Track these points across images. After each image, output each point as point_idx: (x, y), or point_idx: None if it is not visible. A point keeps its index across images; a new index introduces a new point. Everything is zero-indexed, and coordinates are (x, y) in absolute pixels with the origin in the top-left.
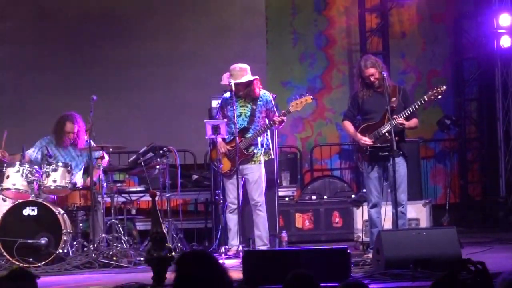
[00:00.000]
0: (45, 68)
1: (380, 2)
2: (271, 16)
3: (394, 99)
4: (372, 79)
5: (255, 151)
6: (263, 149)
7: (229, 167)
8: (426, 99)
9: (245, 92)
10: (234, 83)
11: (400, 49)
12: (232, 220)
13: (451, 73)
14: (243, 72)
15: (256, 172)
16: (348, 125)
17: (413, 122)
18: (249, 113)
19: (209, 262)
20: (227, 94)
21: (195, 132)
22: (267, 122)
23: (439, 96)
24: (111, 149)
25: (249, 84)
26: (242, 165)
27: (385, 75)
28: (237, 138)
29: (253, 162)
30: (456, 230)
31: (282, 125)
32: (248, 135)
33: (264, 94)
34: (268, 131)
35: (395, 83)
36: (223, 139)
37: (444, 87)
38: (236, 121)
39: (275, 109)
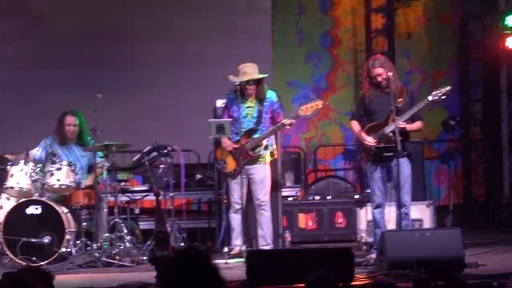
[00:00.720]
0: (50, 67)
1: (386, 2)
2: (277, 15)
3: (400, 99)
4: (379, 79)
5: (261, 152)
6: (269, 150)
7: (234, 166)
8: (431, 99)
9: (256, 90)
10: (245, 81)
11: (406, 49)
12: (235, 219)
13: (457, 73)
14: (255, 70)
15: (261, 172)
16: (355, 125)
17: (416, 125)
18: (256, 113)
19: (203, 260)
20: (232, 94)
21: (199, 132)
22: (277, 124)
23: (444, 97)
24: (114, 148)
25: (261, 82)
26: (248, 165)
27: (390, 75)
28: (243, 138)
29: (259, 162)
30: (460, 231)
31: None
32: (255, 136)
33: (270, 95)
34: None
35: (403, 85)
36: (229, 138)
37: (449, 87)
38: (242, 122)
39: (279, 109)
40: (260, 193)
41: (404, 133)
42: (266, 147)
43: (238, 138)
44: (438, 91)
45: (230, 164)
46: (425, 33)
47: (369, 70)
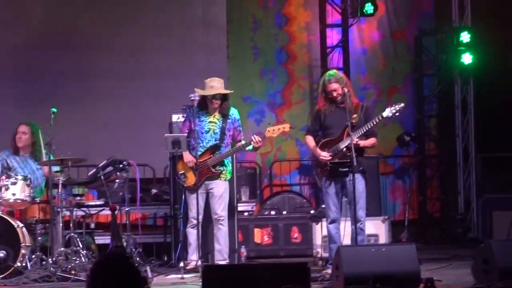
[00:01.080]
0: (4, 79)
1: (341, 18)
2: (232, 30)
3: (355, 115)
4: (334, 94)
5: (221, 168)
6: (229, 167)
7: (194, 181)
8: (385, 115)
9: (221, 106)
10: (212, 95)
11: (361, 65)
12: (192, 234)
13: (411, 89)
14: (222, 85)
15: (221, 187)
16: (309, 140)
17: (370, 141)
18: (218, 130)
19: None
20: (195, 108)
21: (155, 146)
22: (245, 143)
23: (397, 114)
24: (70, 163)
25: (226, 98)
26: (208, 181)
27: (345, 90)
28: (205, 154)
29: (219, 178)
30: (415, 246)
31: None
32: (218, 153)
33: (233, 112)
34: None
35: (358, 100)
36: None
37: (403, 104)
38: (203, 137)
39: (240, 128)
40: (218, 207)
41: (358, 149)
42: (225, 165)
43: (199, 153)
44: (392, 108)
45: (190, 179)
46: (380, 49)
47: (324, 85)
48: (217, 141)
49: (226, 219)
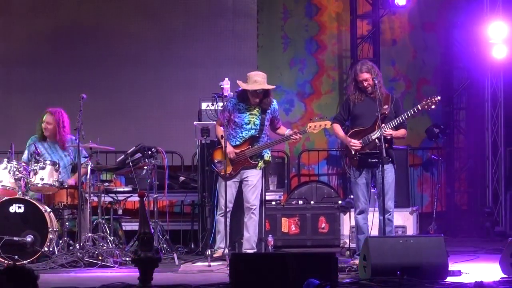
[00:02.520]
0: (35, 66)
1: (372, 9)
2: (262, 20)
3: (386, 106)
4: (365, 84)
5: (258, 159)
6: (265, 157)
7: (230, 170)
8: (420, 108)
9: (262, 100)
10: (252, 90)
11: (391, 56)
12: (221, 222)
13: (441, 82)
14: (265, 79)
15: (256, 176)
16: (338, 128)
17: (401, 132)
18: (258, 121)
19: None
20: (235, 99)
21: (184, 134)
22: (284, 136)
23: (433, 106)
24: (99, 149)
25: (268, 94)
26: (243, 170)
27: (376, 82)
28: (244, 144)
29: (255, 168)
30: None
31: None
32: (257, 145)
33: (273, 102)
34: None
35: (388, 92)
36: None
37: (439, 97)
38: (244, 128)
39: (279, 116)
40: (251, 196)
41: (389, 140)
42: (262, 155)
43: (237, 143)
44: (428, 101)
45: (227, 168)
46: (410, 41)
47: (356, 74)
48: (257, 132)
49: (258, 209)
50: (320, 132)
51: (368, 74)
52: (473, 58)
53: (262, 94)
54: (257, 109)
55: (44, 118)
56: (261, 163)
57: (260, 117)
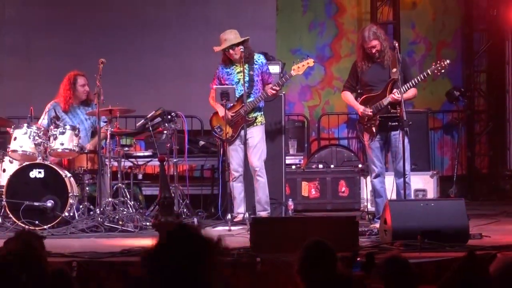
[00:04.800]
0: (54, 31)
1: None
2: None
3: (395, 70)
4: (373, 51)
5: (255, 114)
6: (262, 111)
7: (231, 133)
8: (430, 72)
9: (242, 54)
10: (227, 47)
11: (411, 19)
12: (236, 188)
13: (461, 44)
14: (236, 35)
15: (256, 136)
16: (348, 96)
17: (412, 93)
18: (247, 78)
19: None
20: (220, 66)
21: (203, 98)
22: (264, 90)
23: (442, 70)
24: (118, 113)
25: (246, 46)
26: (243, 130)
27: (384, 47)
28: (237, 104)
29: (255, 124)
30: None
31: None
32: (249, 100)
33: (259, 57)
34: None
35: (392, 51)
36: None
37: (448, 61)
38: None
39: (269, 71)
40: (253, 158)
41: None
42: (259, 109)
43: (230, 104)
44: (438, 65)
45: (227, 131)
46: (430, 3)
47: (364, 41)
48: (247, 89)
49: (263, 169)
50: (340, 95)
51: (376, 41)
52: (494, 20)
53: (241, 50)
54: (245, 66)
55: (77, 83)
56: (260, 118)
57: (248, 73)
